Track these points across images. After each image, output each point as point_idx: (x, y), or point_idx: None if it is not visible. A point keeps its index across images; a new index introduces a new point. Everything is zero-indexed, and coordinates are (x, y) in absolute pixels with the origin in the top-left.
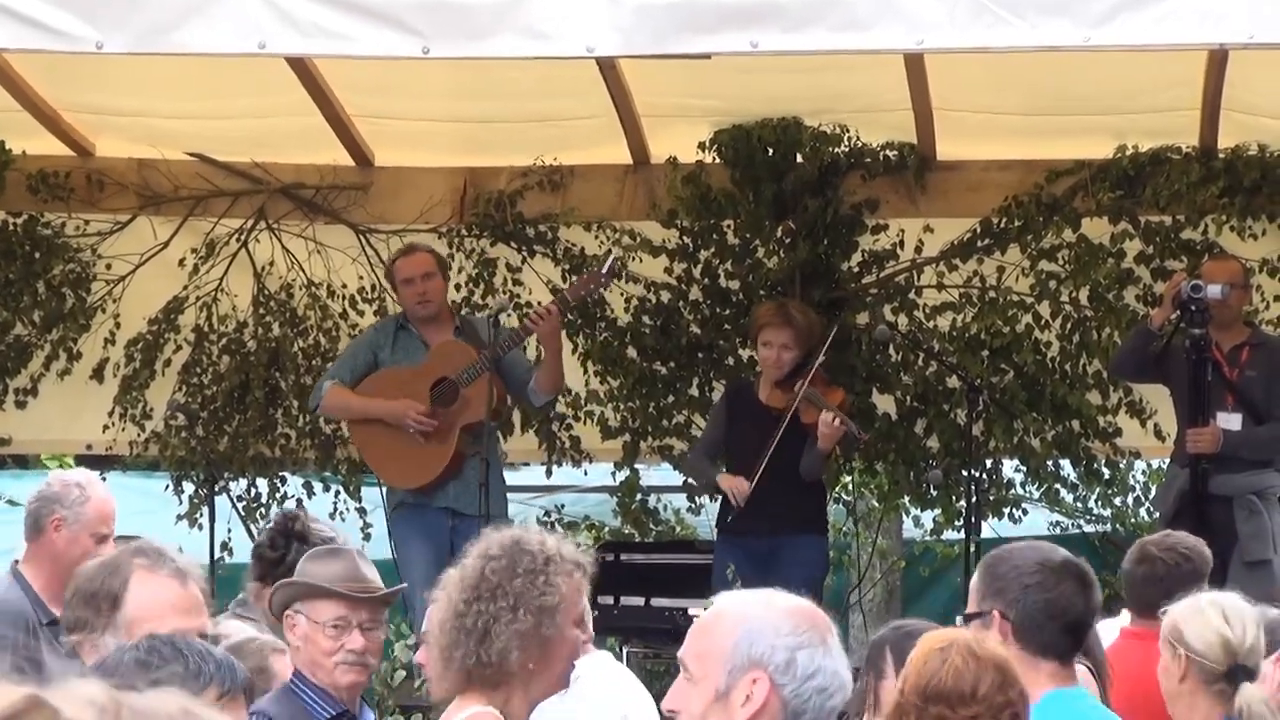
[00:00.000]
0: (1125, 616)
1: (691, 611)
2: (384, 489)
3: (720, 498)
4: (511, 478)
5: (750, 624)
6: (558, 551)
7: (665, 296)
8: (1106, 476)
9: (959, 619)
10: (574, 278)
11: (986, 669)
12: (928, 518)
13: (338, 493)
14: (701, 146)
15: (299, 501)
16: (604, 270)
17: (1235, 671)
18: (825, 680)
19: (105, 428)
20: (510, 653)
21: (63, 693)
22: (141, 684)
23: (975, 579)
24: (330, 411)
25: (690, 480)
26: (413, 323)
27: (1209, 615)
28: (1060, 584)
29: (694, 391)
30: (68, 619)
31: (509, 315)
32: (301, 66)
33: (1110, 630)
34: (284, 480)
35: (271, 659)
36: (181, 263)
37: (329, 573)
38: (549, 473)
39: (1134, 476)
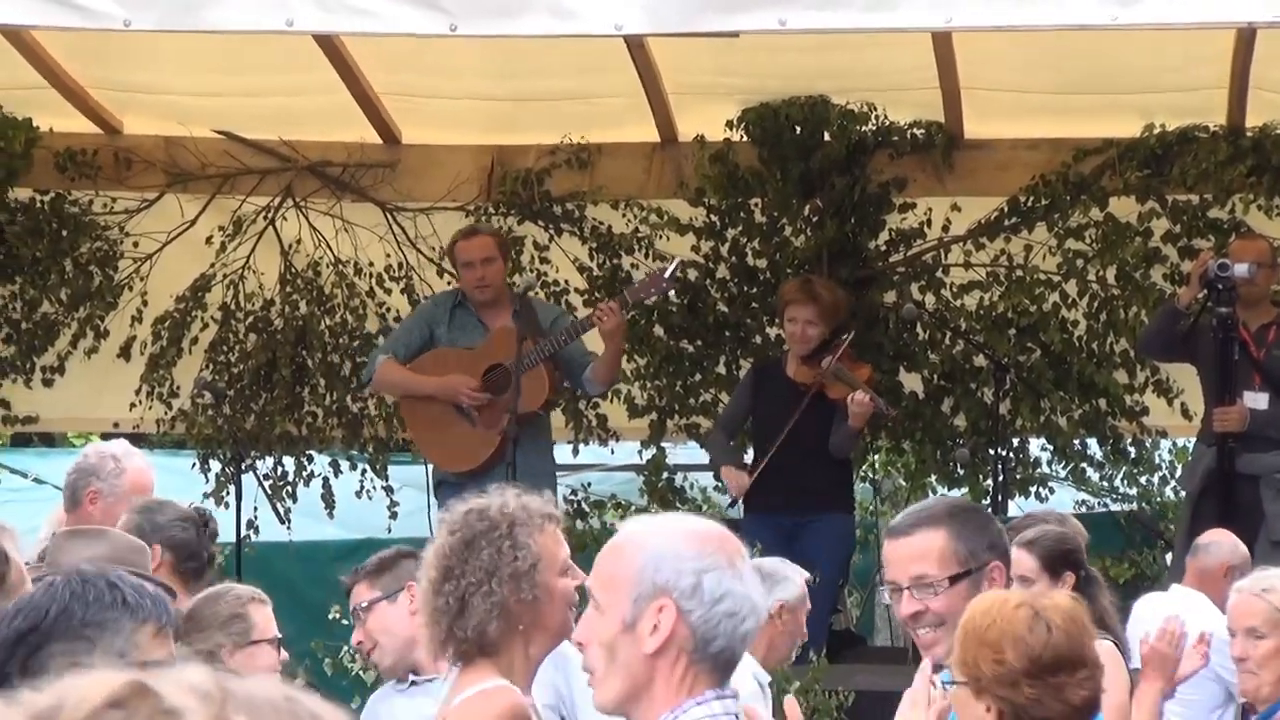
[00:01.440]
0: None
1: None
2: (429, 466)
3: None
4: None
5: (653, 549)
6: (522, 511)
7: (692, 275)
8: (1133, 455)
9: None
10: (637, 278)
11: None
12: (955, 496)
13: (364, 471)
14: (729, 125)
15: (326, 481)
16: (666, 275)
17: None
18: (735, 604)
19: (132, 406)
20: (489, 624)
21: (167, 680)
22: (81, 616)
23: (940, 537)
24: (381, 388)
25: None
26: (471, 304)
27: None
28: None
29: (721, 370)
30: None
31: (535, 291)
32: (329, 44)
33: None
34: (310, 459)
35: (250, 608)
36: (209, 240)
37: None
38: (575, 451)
39: (1160, 455)
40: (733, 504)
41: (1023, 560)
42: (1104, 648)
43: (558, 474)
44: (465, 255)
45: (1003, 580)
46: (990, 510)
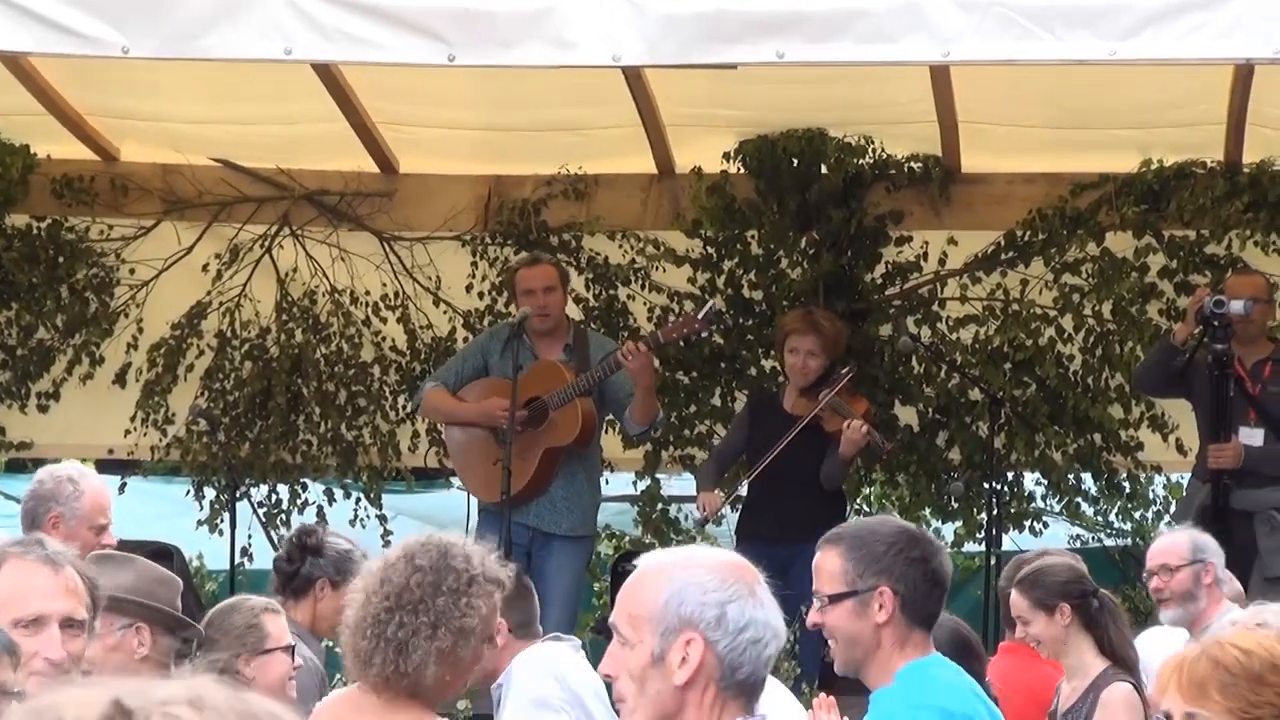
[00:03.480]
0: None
1: None
2: (469, 497)
3: (741, 506)
4: None
5: (677, 583)
6: (482, 570)
7: (688, 306)
8: (1127, 490)
9: (816, 603)
10: (671, 318)
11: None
12: (948, 530)
13: (358, 500)
14: (726, 157)
15: (320, 510)
16: (700, 316)
17: None
18: (758, 631)
19: (127, 432)
20: (427, 668)
21: (145, 694)
22: None
23: (835, 557)
24: (428, 414)
25: None
26: (527, 332)
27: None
28: (935, 552)
29: (716, 401)
30: None
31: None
32: (327, 73)
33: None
34: (305, 487)
35: (263, 618)
36: (205, 268)
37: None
38: None
39: (1154, 490)
40: (703, 523)
41: (1016, 602)
42: (1122, 691)
43: None
44: (526, 283)
45: (891, 606)
46: (908, 536)
